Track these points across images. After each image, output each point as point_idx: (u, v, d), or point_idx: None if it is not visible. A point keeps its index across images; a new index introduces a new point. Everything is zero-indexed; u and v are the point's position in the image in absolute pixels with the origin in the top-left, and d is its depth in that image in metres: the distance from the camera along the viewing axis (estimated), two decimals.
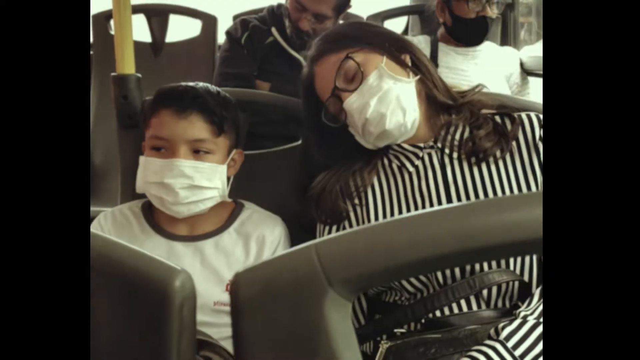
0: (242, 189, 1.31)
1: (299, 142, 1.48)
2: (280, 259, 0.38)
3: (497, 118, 1.14)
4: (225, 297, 1.15)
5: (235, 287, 0.38)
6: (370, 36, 1.14)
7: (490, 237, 0.35)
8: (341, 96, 1.09)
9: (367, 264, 0.36)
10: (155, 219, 1.23)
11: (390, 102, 1.07)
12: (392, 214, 1.11)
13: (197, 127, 1.15)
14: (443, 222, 0.36)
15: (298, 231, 1.28)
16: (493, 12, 2.07)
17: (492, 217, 0.35)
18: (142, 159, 1.18)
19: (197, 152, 1.16)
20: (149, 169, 1.15)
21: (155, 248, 1.19)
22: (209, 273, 1.17)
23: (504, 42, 2.54)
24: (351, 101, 1.08)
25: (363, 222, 1.14)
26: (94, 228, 1.23)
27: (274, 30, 1.91)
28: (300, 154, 1.44)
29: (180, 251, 1.19)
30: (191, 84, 1.22)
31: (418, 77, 1.12)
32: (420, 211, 0.37)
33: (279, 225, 1.25)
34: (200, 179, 1.15)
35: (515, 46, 2.52)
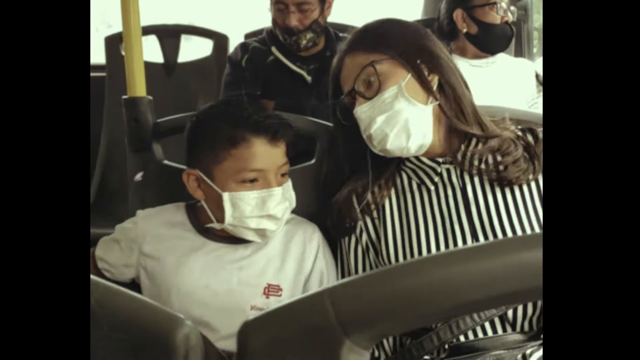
0: None
1: (313, 161, 1.46)
2: (291, 307, 0.35)
3: (519, 133, 1.12)
4: (263, 301, 1.15)
5: (244, 336, 0.35)
6: (406, 45, 1.11)
7: (521, 280, 0.32)
8: (357, 98, 1.10)
9: (387, 312, 0.32)
10: (200, 217, 1.21)
11: (396, 124, 1.06)
12: (409, 232, 1.09)
13: (283, 153, 1.15)
14: (468, 265, 0.32)
15: None
16: (515, 16, 2.07)
17: (521, 257, 0.32)
18: (229, 195, 1.11)
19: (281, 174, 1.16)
20: (243, 205, 1.11)
21: (195, 245, 1.18)
22: (248, 275, 1.16)
23: (517, 53, 2.52)
24: (361, 110, 1.09)
25: (380, 238, 1.12)
26: (131, 222, 1.23)
27: (274, 49, 1.94)
28: (314, 171, 1.42)
29: (220, 252, 1.18)
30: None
31: (437, 103, 1.10)
32: (442, 252, 0.34)
33: (317, 231, 1.24)
34: (290, 198, 1.17)
35: (530, 58, 2.49)
